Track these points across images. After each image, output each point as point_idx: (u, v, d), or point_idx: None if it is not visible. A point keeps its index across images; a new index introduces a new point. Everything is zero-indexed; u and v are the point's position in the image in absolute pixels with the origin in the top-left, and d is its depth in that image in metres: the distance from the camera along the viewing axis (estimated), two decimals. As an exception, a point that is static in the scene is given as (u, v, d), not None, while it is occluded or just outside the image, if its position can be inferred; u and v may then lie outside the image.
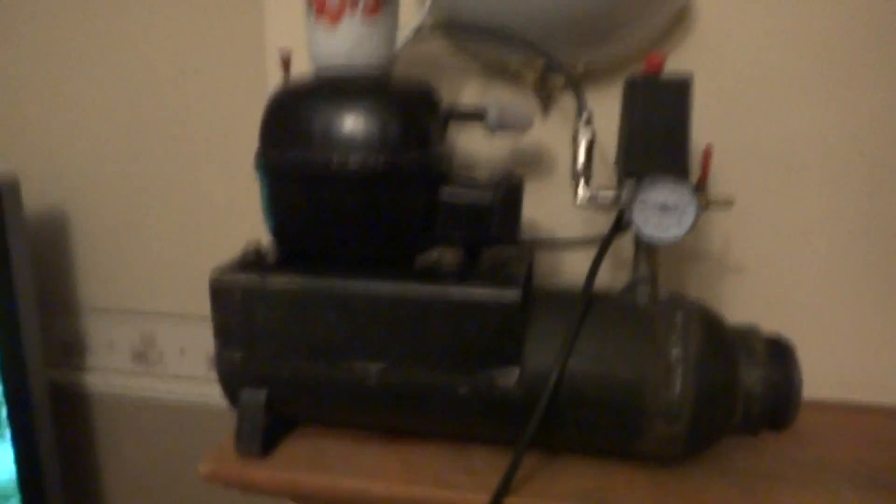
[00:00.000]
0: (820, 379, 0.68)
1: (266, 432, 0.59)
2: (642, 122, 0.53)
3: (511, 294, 0.51)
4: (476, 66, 0.71)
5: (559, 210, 0.71)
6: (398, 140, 0.53)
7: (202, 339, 1.13)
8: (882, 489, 0.54)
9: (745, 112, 0.66)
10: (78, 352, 1.20)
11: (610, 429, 0.52)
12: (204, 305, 1.11)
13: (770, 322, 0.67)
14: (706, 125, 0.67)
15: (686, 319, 0.53)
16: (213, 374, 1.15)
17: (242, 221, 1.02)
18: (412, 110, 0.54)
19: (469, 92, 0.71)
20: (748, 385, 0.52)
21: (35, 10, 1.02)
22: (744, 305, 0.69)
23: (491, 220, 0.55)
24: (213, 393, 1.13)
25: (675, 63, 0.66)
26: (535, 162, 0.72)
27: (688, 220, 0.50)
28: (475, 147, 0.72)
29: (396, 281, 0.53)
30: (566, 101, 0.69)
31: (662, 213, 0.50)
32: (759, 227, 0.68)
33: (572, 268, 0.72)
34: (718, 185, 0.68)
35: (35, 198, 1.11)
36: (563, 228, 0.72)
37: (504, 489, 0.51)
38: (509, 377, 0.53)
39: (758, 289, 0.69)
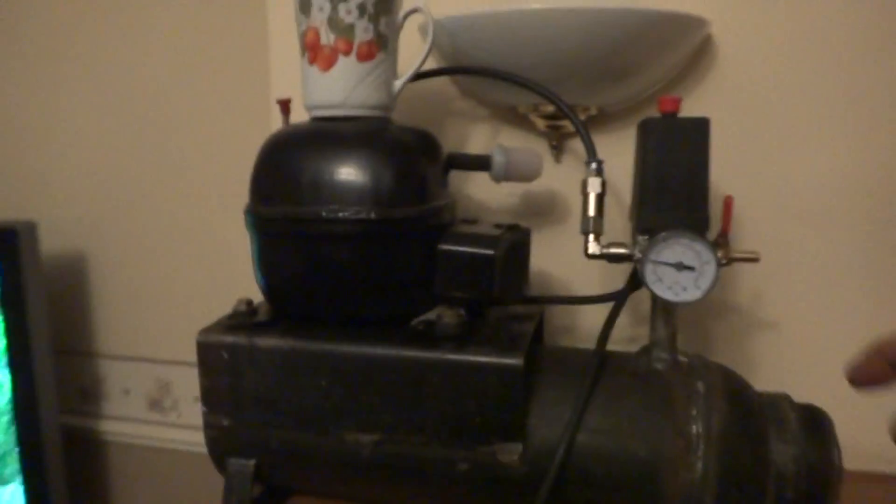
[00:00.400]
0: (858, 448, 0.62)
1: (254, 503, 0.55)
2: (656, 168, 0.49)
3: (513, 361, 0.47)
4: (483, 111, 0.68)
5: (574, 260, 0.67)
6: (393, 193, 0.49)
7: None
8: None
9: (770, 158, 0.61)
10: (93, 398, 1.18)
11: (624, 512, 0.47)
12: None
13: (804, 385, 0.62)
14: (728, 173, 0.62)
15: (708, 389, 0.47)
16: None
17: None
18: (408, 160, 0.51)
19: (476, 137, 0.68)
20: (780, 465, 0.46)
21: (50, 48, 1.03)
22: (775, 366, 0.63)
23: (493, 277, 0.51)
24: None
25: (693, 107, 0.62)
26: (546, 210, 0.67)
27: (706, 280, 0.45)
28: (481, 194, 0.68)
29: (390, 344, 0.49)
30: (579, 147, 0.65)
31: (678, 273, 0.46)
32: (791, 280, 0.62)
33: (589, 323, 0.68)
34: (744, 236, 0.63)
35: (53, 242, 1.11)
36: (579, 280, 0.67)
37: (506, 579, 0.46)
38: (512, 453, 0.48)
39: (791, 348, 0.63)
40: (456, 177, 0.60)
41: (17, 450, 0.97)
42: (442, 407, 0.49)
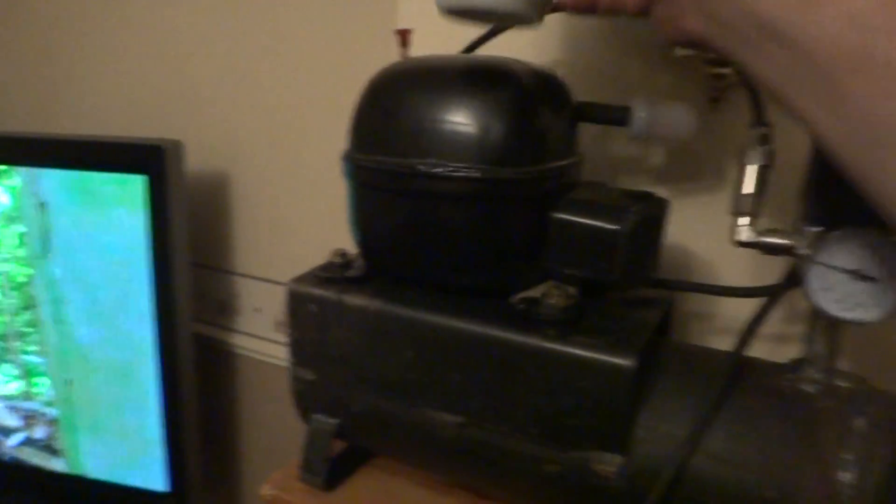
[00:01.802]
0: None
1: (334, 462, 0.52)
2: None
3: (624, 361, 0.39)
4: (636, 54, 0.57)
5: (719, 241, 0.56)
6: (504, 148, 0.42)
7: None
8: None
9: None
10: (229, 312, 1.24)
11: (739, 557, 0.39)
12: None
13: None
14: None
15: (871, 426, 0.37)
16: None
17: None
18: (526, 110, 0.43)
19: (625, 85, 0.58)
20: (959, 540, 0.36)
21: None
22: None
23: (615, 256, 0.43)
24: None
25: None
26: (694, 173, 0.57)
27: (891, 297, 0.34)
28: (613, 149, 0.59)
29: (483, 320, 0.44)
30: (744, 101, 0.54)
31: (854, 283, 0.35)
32: None
33: (731, 310, 0.57)
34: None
35: (199, 161, 1.15)
36: (726, 262, 0.57)
37: None
38: (609, 465, 0.41)
39: None
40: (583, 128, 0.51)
41: (156, 355, 1.04)
42: (535, 400, 0.42)
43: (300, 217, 1.08)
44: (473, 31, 0.57)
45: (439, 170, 0.42)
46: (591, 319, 0.44)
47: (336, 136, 0.98)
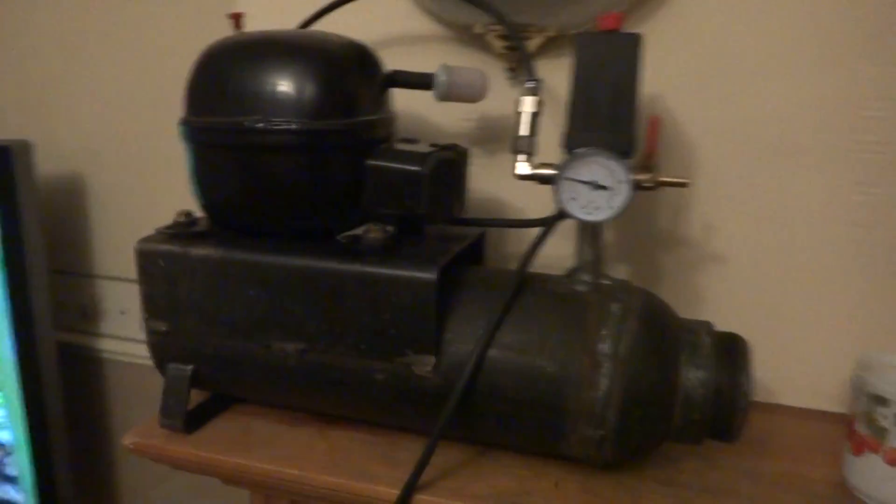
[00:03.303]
0: (799, 383, 0.61)
1: (195, 409, 0.57)
2: (585, 85, 0.48)
3: (426, 275, 0.47)
4: (441, 31, 0.66)
5: (528, 186, 0.66)
6: (320, 104, 0.49)
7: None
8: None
9: (729, 91, 0.59)
10: (92, 317, 1.22)
11: (532, 426, 0.48)
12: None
13: (748, 318, 0.61)
14: (685, 102, 0.60)
15: (623, 310, 0.47)
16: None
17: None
18: (337, 73, 0.50)
19: (435, 58, 0.66)
20: (688, 388, 0.46)
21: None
22: (719, 298, 0.63)
23: (420, 194, 0.51)
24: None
25: (651, 31, 0.60)
26: (502, 135, 0.67)
27: (619, 199, 0.44)
28: (439, 118, 0.68)
29: (313, 256, 0.50)
30: (538, 70, 0.64)
31: (592, 192, 0.45)
32: (742, 216, 0.61)
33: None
34: (700, 166, 0.61)
35: (53, 164, 1.13)
36: (532, 206, 0.67)
37: (412, 484, 0.48)
38: (425, 364, 0.49)
39: (735, 281, 0.62)
40: (415, 98, 0.59)
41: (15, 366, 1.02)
42: (361, 318, 0.49)
43: (160, 213, 1.09)
44: (303, 12, 0.64)
45: (262, 125, 0.48)
46: (406, 250, 0.51)
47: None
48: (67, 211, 1.17)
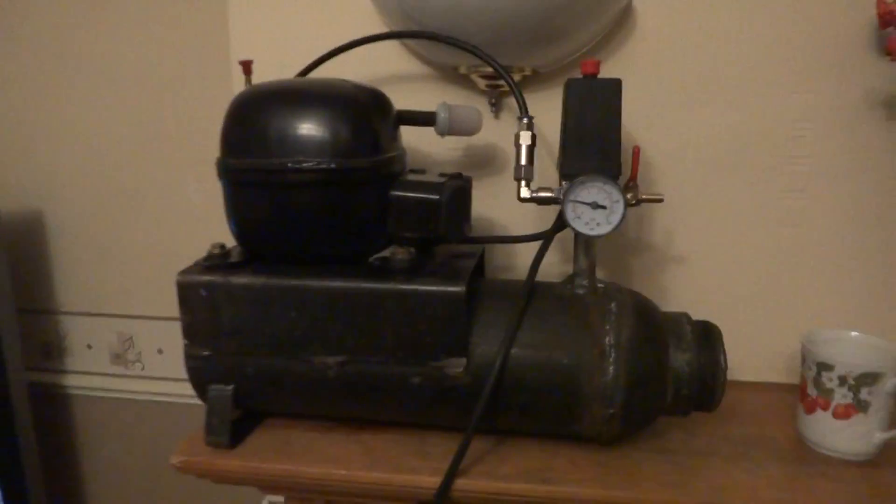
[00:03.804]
0: (752, 361, 0.73)
1: (234, 425, 0.62)
2: (577, 122, 0.57)
3: (456, 288, 0.55)
4: (430, 72, 0.74)
5: (513, 207, 0.75)
6: (350, 145, 0.56)
7: (180, 340, 1.16)
8: (801, 462, 0.59)
9: (680, 114, 0.70)
10: (57, 354, 1.22)
11: (551, 412, 0.56)
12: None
13: (708, 308, 0.72)
14: (646, 126, 0.71)
15: (619, 308, 0.57)
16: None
17: (219, 224, 1.04)
18: (363, 117, 0.58)
19: (423, 96, 0.75)
20: (677, 368, 0.56)
21: (19, 20, 1.04)
22: (684, 293, 0.73)
23: (439, 219, 0.59)
24: (191, 391, 1.17)
25: (613, 68, 0.70)
26: (487, 161, 0.75)
27: (616, 216, 0.54)
28: (429, 147, 0.76)
29: (351, 278, 0.57)
30: (515, 103, 0.73)
31: (593, 211, 0.54)
32: (696, 221, 0.72)
33: (526, 261, 0.76)
34: (662, 182, 0.72)
35: (11, 202, 1.13)
36: (518, 224, 0.76)
37: (453, 471, 0.55)
38: (457, 366, 0.56)
39: (695, 277, 0.73)
40: (406, 132, 0.67)
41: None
42: (397, 329, 0.57)
43: (122, 247, 1.11)
44: (301, 60, 0.71)
45: (305, 165, 0.55)
46: (428, 268, 0.59)
47: (154, 163, 1.05)
48: (28, 248, 1.17)
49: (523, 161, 0.60)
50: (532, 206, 0.73)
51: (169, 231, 1.09)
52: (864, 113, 0.67)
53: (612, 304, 0.57)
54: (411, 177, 0.61)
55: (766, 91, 0.68)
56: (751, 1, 0.67)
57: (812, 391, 0.59)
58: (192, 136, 1.04)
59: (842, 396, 0.57)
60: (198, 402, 1.10)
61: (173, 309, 1.12)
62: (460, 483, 0.56)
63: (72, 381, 1.22)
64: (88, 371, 1.22)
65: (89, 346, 1.21)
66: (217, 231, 1.02)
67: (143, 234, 1.10)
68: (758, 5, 0.67)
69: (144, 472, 1.23)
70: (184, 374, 1.12)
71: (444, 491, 0.55)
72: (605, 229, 0.54)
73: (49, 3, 1.02)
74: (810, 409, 0.60)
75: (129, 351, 1.20)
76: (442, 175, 0.62)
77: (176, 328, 1.13)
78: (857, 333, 0.63)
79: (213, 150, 0.96)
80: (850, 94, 0.67)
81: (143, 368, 1.20)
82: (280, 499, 0.66)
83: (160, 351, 1.19)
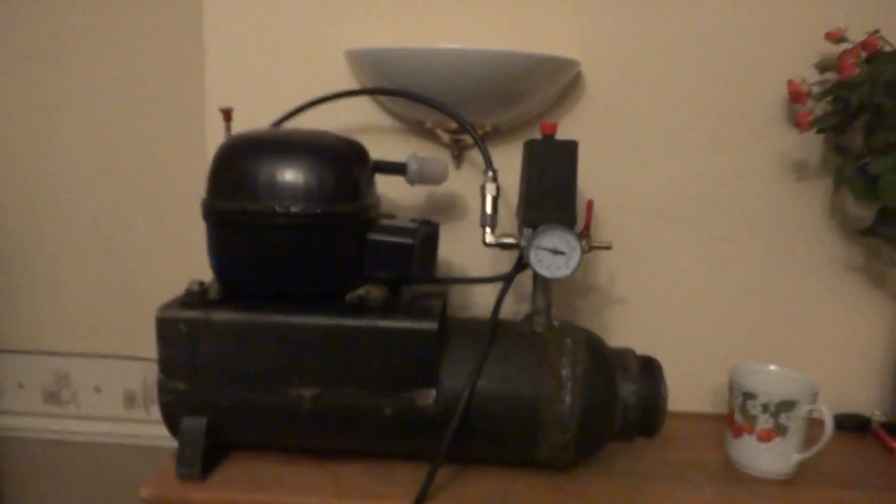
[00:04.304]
0: (683, 393, 0.81)
1: (205, 457, 0.64)
2: (538, 177, 0.64)
3: (430, 325, 0.60)
4: (400, 125, 0.80)
5: (471, 250, 0.81)
6: (334, 192, 0.61)
7: (118, 378, 1.15)
8: (731, 482, 0.66)
9: (625, 169, 0.79)
10: (-13, 394, 1.18)
11: (513, 439, 0.62)
12: (120, 345, 1.12)
13: (646, 344, 0.80)
14: (593, 180, 0.79)
15: (574, 344, 0.63)
16: (129, 413, 1.16)
17: (158, 262, 1.05)
18: (346, 166, 0.63)
19: (393, 147, 0.80)
20: (624, 398, 0.63)
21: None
22: (625, 330, 0.81)
23: (412, 261, 0.64)
24: (129, 431, 1.15)
25: (567, 127, 0.78)
26: (450, 208, 0.81)
27: (573, 261, 0.60)
28: (395, 194, 0.81)
29: (329, 314, 0.61)
30: (476, 156, 0.80)
31: (553, 256, 0.61)
32: (636, 266, 0.80)
33: (482, 300, 0.82)
34: (606, 230, 0.80)
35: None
36: (474, 266, 0.82)
37: (423, 495, 0.59)
38: (427, 397, 0.61)
39: (636, 317, 0.81)
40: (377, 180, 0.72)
41: None
42: (372, 363, 0.61)
43: (60, 281, 1.10)
44: (274, 109, 0.75)
45: (293, 209, 0.59)
46: (401, 306, 0.64)
47: (97, 198, 1.06)
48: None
49: (489, 210, 0.66)
50: (486, 250, 0.79)
51: (111, 266, 1.09)
52: (778, 174, 0.77)
53: (568, 340, 0.63)
54: (386, 222, 0.66)
55: (698, 151, 0.78)
56: (686, 73, 0.76)
57: (739, 417, 0.67)
58: (143, 177, 1.05)
59: (764, 422, 0.65)
60: (136, 441, 1.11)
61: (113, 346, 1.12)
62: (429, 506, 0.60)
63: (1, 423, 1.18)
64: (20, 411, 1.18)
65: (20, 385, 1.18)
66: (156, 267, 1.03)
67: (82, 269, 1.10)
68: (693, 77, 0.76)
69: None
70: (123, 412, 1.12)
71: (415, 514, 0.59)
72: (564, 273, 0.61)
73: (9, 40, 1.03)
74: (737, 434, 0.68)
75: (63, 390, 1.18)
76: (413, 220, 0.68)
77: (116, 365, 1.12)
78: (775, 367, 0.72)
79: (166, 187, 0.99)
80: (767, 157, 0.77)
81: (78, 408, 1.18)
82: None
83: (97, 389, 1.17)
